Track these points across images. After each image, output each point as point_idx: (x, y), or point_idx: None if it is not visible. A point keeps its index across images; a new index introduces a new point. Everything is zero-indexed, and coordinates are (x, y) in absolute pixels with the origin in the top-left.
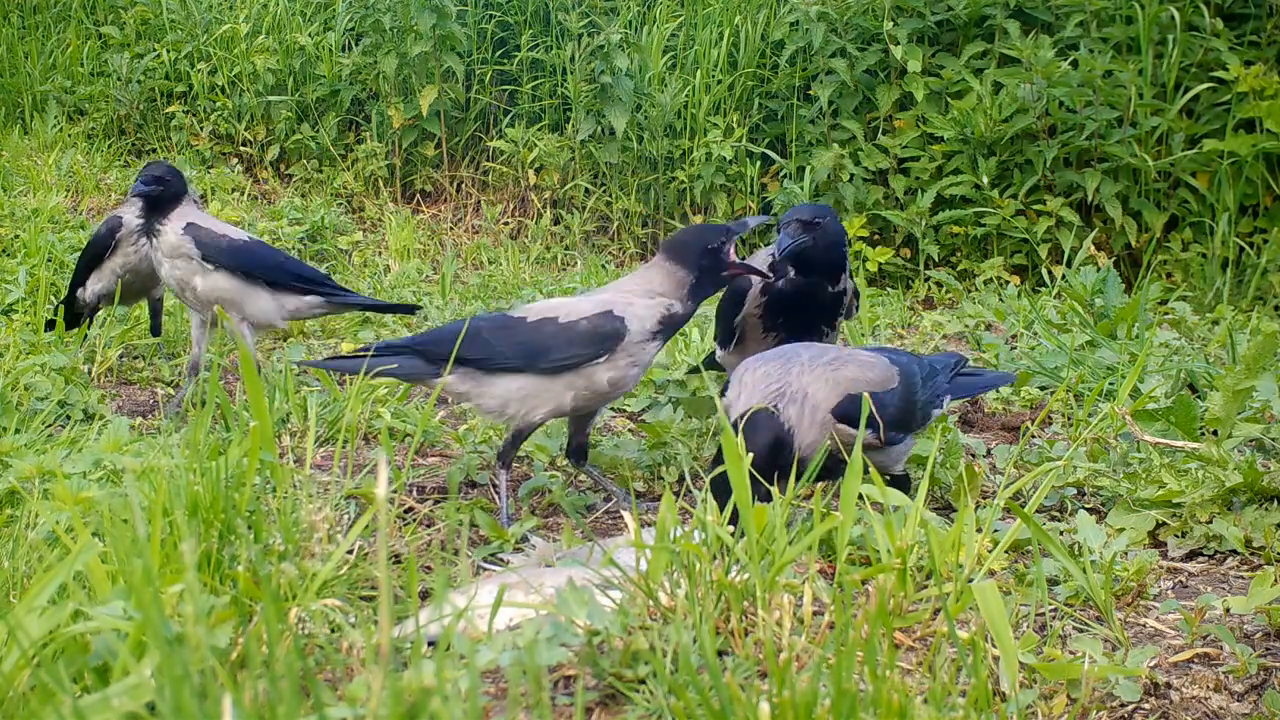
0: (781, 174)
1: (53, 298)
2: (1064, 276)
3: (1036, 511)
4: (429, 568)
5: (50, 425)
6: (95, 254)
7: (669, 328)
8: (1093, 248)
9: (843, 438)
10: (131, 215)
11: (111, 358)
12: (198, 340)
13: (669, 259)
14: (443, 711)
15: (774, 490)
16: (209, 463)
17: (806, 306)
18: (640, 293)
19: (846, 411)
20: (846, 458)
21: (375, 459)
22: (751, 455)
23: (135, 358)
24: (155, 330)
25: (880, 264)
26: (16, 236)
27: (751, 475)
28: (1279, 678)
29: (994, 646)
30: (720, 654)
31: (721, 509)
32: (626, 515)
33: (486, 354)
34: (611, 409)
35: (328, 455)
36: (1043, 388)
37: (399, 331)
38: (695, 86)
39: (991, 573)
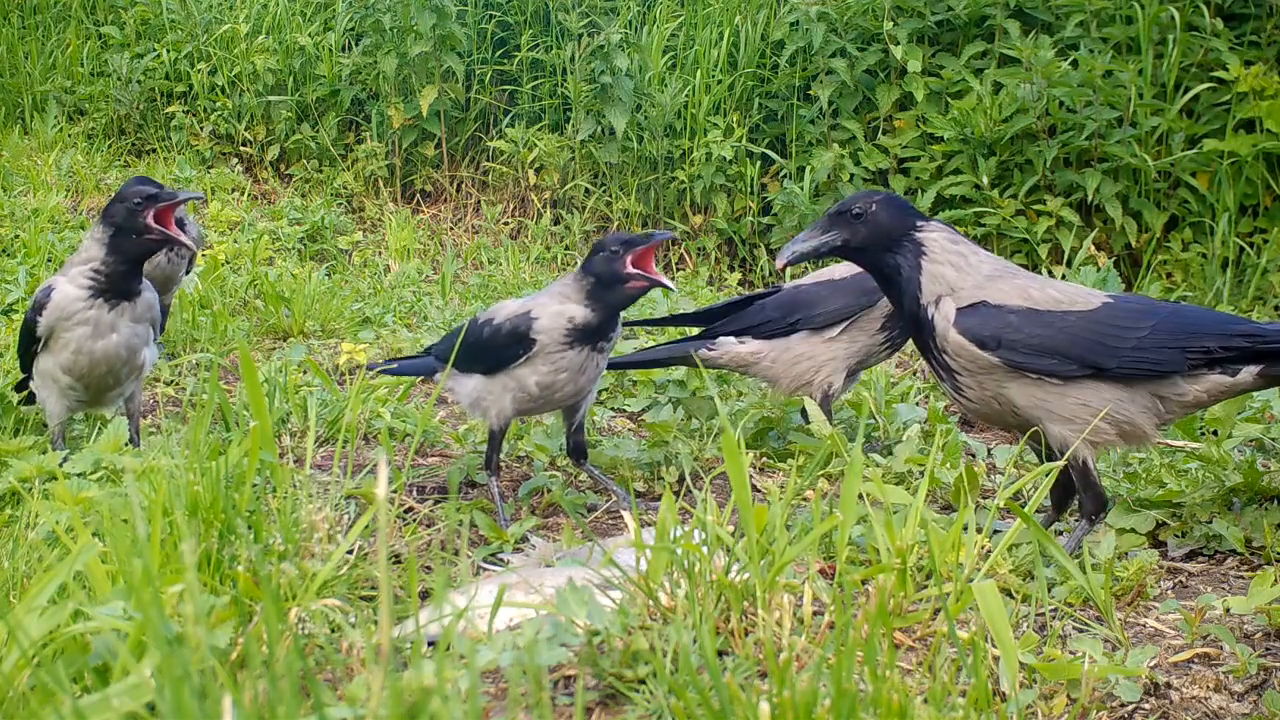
0: (781, 174)
1: None
2: (1064, 276)
3: (1036, 511)
4: (429, 568)
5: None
6: None
7: (578, 334)
8: (1093, 248)
9: (953, 346)
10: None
11: None
12: (59, 416)
13: (581, 264)
14: (443, 711)
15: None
16: (209, 463)
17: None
18: (557, 297)
19: (966, 322)
20: (947, 367)
21: (375, 459)
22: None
23: None
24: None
25: None
26: (16, 236)
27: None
28: (1279, 678)
29: (994, 646)
30: (720, 654)
31: None
32: (626, 515)
33: (460, 354)
34: (610, 409)
35: (328, 455)
36: None
37: (398, 332)
38: (695, 86)
39: (993, 573)
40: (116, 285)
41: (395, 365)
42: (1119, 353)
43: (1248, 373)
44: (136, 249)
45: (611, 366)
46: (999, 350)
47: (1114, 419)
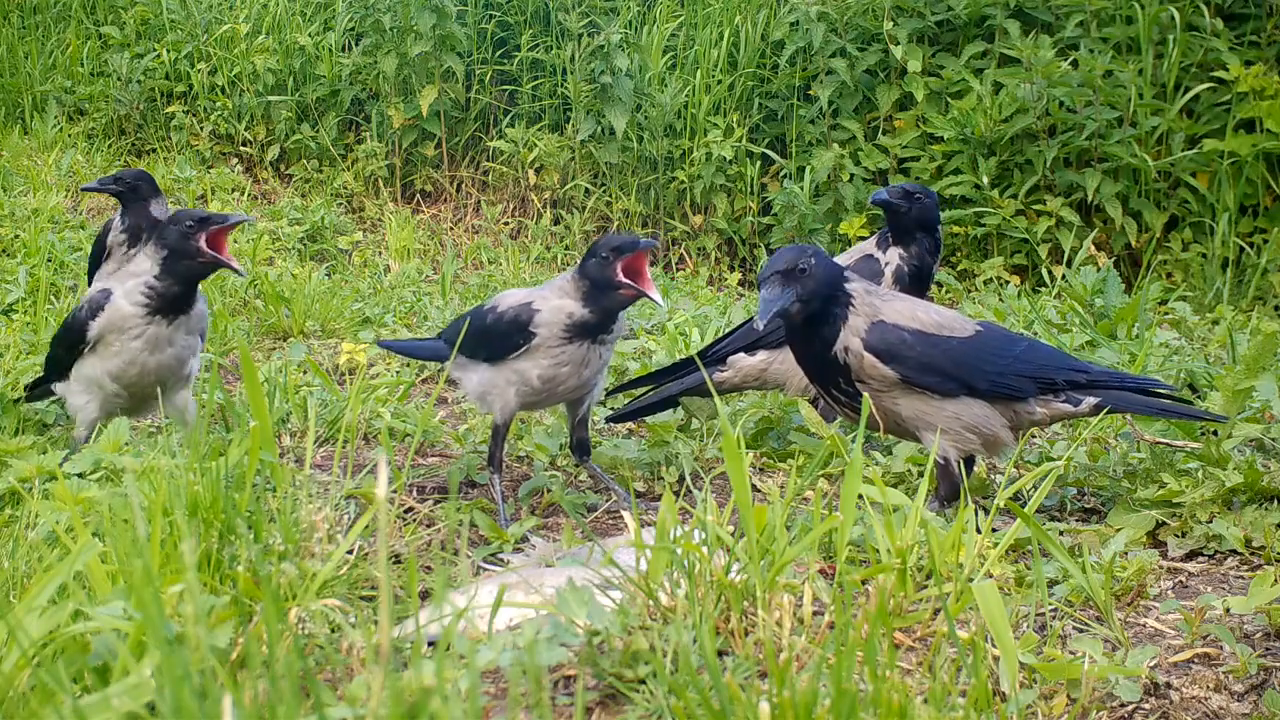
0: (781, 174)
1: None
2: (1064, 276)
3: (1036, 511)
4: (429, 568)
5: (50, 425)
6: (94, 258)
7: (577, 330)
8: (1093, 248)
9: (864, 364)
10: (117, 225)
11: None
12: (94, 420)
13: (579, 264)
14: (443, 711)
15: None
16: (209, 463)
17: (921, 282)
18: (557, 292)
19: (872, 342)
20: (862, 384)
21: (375, 459)
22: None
23: None
24: None
25: None
26: (16, 236)
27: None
28: (1279, 678)
29: (994, 646)
30: (720, 654)
31: None
32: (626, 515)
33: (466, 343)
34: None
35: (328, 455)
36: None
37: (398, 331)
38: (695, 86)
39: (990, 575)
40: (170, 304)
41: (405, 345)
42: (988, 376)
43: (1087, 404)
44: (188, 272)
45: (623, 418)
46: (892, 364)
47: (979, 430)
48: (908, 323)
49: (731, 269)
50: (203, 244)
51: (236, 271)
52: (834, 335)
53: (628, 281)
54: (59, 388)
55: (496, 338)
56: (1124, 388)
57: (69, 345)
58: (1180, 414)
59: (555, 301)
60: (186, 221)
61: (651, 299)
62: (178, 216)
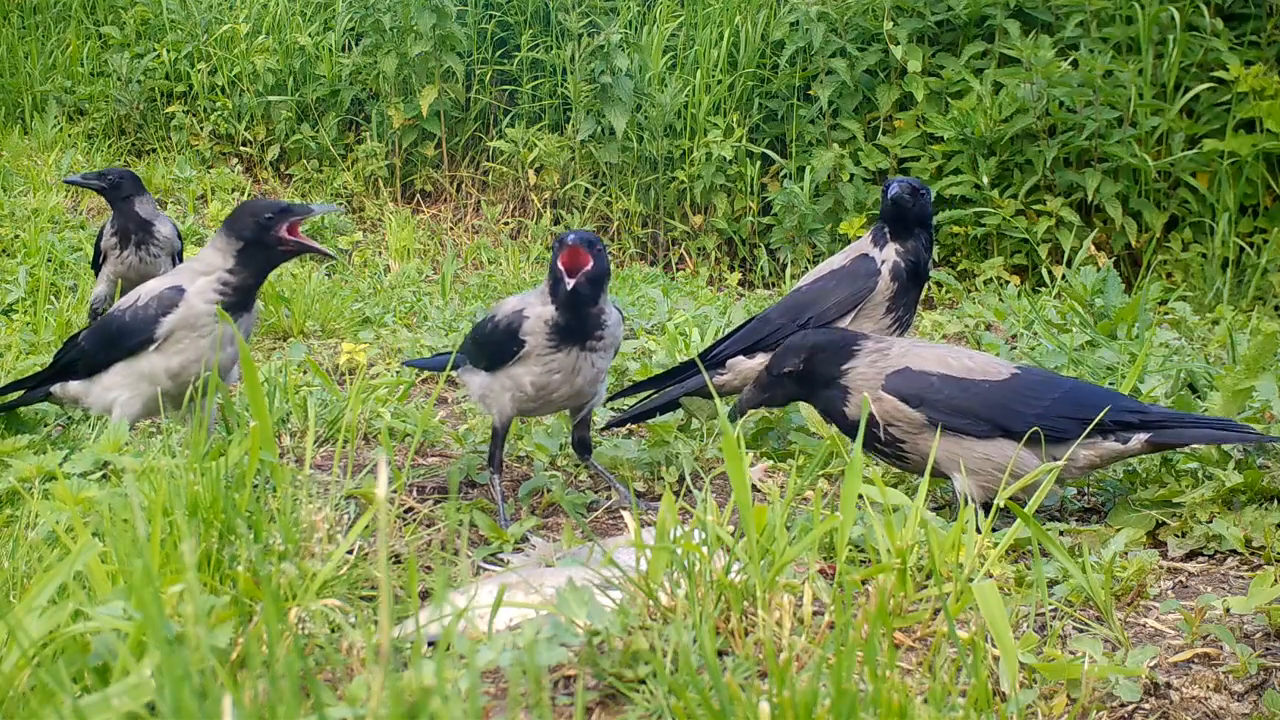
0: (781, 174)
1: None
2: (1064, 276)
3: (1036, 511)
4: (429, 568)
5: (50, 425)
6: (94, 258)
7: (557, 332)
8: (1093, 248)
9: (884, 409)
10: (109, 229)
11: None
12: (134, 419)
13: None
14: (443, 711)
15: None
16: (209, 463)
17: (918, 278)
18: (541, 298)
19: (893, 383)
20: (887, 433)
21: (375, 459)
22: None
23: None
24: None
25: None
26: (16, 236)
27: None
28: (1279, 678)
29: (994, 646)
30: (720, 654)
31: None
32: (626, 515)
33: (470, 351)
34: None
35: (328, 455)
36: None
37: (398, 332)
38: (695, 86)
39: (990, 575)
40: (242, 298)
41: (426, 361)
42: (1025, 418)
43: (1137, 440)
44: (267, 261)
45: (624, 421)
46: (921, 407)
47: (1014, 473)
48: (935, 368)
49: (731, 269)
50: (284, 233)
51: (326, 255)
52: (843, 409)
53: (561, 268)
54: (75, 387)
55: (493, 346)
56: (1184, 425)
57: (121, 343)
58: (1244, 439)
59: (538, 309)
60: (265, 213)
61: (566, 282)
62: (252, 208)
